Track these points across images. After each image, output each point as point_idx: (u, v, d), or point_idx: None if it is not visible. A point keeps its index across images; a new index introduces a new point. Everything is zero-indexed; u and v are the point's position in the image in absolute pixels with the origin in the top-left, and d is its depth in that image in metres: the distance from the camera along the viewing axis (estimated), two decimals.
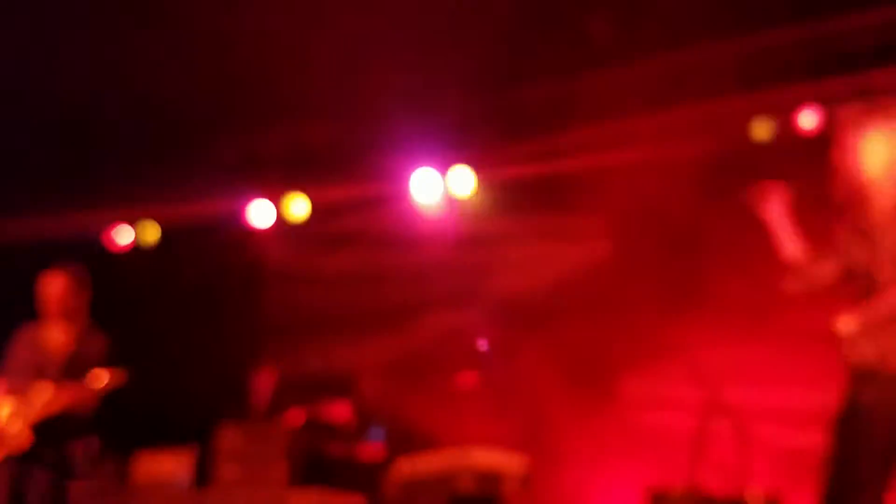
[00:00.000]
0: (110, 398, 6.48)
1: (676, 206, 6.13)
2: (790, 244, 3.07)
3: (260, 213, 7.53)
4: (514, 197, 6.85)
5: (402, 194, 7.10)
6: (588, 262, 6.79)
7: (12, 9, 5.32)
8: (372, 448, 6.03)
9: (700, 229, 6.07)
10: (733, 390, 5.47)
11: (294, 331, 7.65)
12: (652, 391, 6.15)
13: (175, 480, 5.32)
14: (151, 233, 7.66)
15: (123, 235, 7.66)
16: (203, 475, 5.35)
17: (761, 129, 5.98)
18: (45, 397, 3.98)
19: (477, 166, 6.84)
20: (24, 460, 3.96)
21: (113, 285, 7.11)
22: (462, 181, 6.85)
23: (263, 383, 6.32)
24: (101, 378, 4.09)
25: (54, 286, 4.33)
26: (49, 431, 3.98)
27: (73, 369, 4.10)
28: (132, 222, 7.60)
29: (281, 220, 7.60)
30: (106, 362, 4.24)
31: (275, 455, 5.22)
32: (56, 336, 4.24)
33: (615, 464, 5.81)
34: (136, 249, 7.73)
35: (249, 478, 5.18)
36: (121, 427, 5.95)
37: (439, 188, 6.97)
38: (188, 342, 6.88)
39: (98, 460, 4.35)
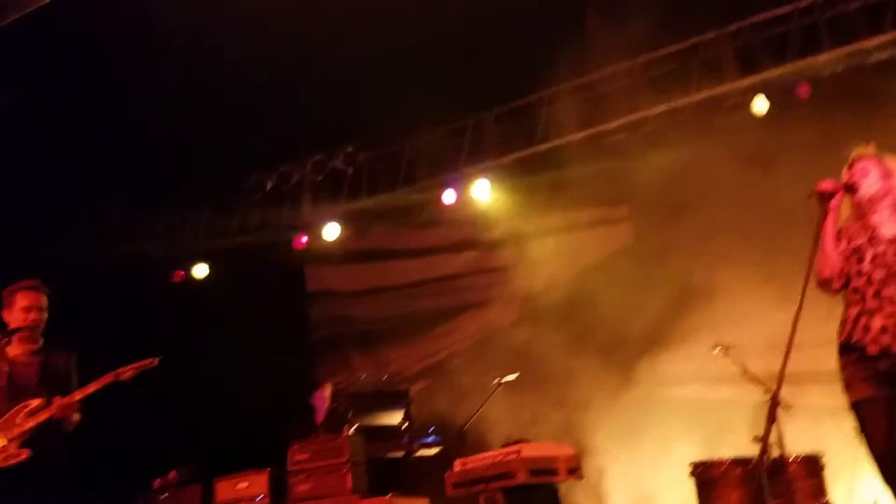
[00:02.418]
0: (189, 432, 6.96)
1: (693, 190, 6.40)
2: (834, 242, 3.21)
3: (298, 238, 7.95)
4: (531, 199, 7.18)
5: (428, 207, 7.46)
6: (608, 248, 7.09)
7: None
8: (429, 450, 6.42)
9: (712, 209, 6.33)
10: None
11: (342, 345, 8.08)
12: (677, 367, 6.46)
13: (254, 500, 5.74)
14: (203, 267, 8.14)
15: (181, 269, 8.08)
16: (279, 493, 5.77)
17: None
18: (26, 412, 3.99)
19: (493, 176, 7.17)
20: (13, 474, 3.95)
21: (171, 318, 7.63)
22: (481, 191, 7.19)
23: (321, 399, 6.72)
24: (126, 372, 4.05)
25: (23, 302, 4.16)
26: (37, 444, 3.99)
27: (46, 382, 4.09)
28: (186, 256, 8.04)
29: (318, 241, 8.01)
30: (75, 372, 4.18)
31: (341, 467, 5.59)
32: (23, 353, 4.17)
33: (653, 440, 6.13)
34: (190, 282, 8.22)
35: (320, 491, 5.58)
36: (202, 456, 6.45)
37: (462, 199, 7.31)
38: (249, 368, 7.32)
39: None
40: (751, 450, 4.93)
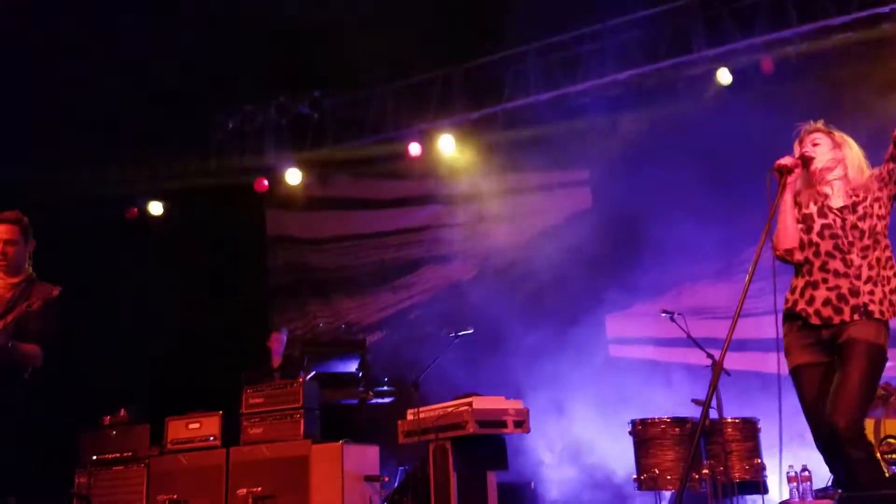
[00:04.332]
0: (142, 371, 6.93)
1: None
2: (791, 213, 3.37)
3: (259, 181, 7.87)
4: (496, 157, 7.22)
5: (392, 159, 7.45)
6: (567, 211, 7.22)
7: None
8: (382, 399, 6.54)
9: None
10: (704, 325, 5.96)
11: (300, 291, 8.11)
12: (624, 327, 6.68)
13: (205, 441, 5.80)
14: (157, 205, 8.01)
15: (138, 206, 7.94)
16: (231, 435, 5.84)
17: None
18: None
19: (459, 131, 7.18)
20: None
21: (128, 255, 7.53)
22: (447, 145, 7.19)
23: (277, 343, 6.76)
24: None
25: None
26: None
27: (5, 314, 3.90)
28: (144, 194, 7.90)
29: (280, 187, 7.94)
30: (49, 307, 3.98)
31: (294, 412, 5.67)
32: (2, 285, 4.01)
33: (595, 396, 6.37)
34: (148, 220, 8.09)
35: (273, 435, 5.67)
36: (155, 396, 6.47)
37: (427, 153, 7.31)
38: (205, 309, 7.29)
39: None
40: (689, 410, 5.22)
